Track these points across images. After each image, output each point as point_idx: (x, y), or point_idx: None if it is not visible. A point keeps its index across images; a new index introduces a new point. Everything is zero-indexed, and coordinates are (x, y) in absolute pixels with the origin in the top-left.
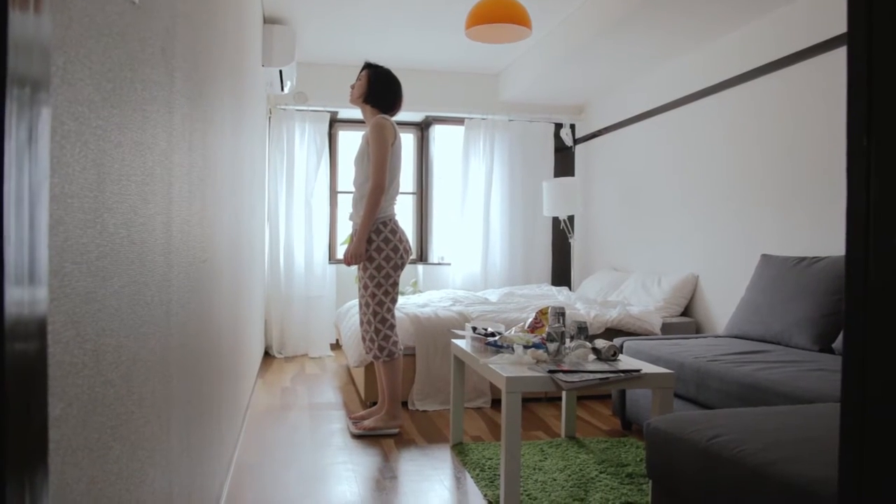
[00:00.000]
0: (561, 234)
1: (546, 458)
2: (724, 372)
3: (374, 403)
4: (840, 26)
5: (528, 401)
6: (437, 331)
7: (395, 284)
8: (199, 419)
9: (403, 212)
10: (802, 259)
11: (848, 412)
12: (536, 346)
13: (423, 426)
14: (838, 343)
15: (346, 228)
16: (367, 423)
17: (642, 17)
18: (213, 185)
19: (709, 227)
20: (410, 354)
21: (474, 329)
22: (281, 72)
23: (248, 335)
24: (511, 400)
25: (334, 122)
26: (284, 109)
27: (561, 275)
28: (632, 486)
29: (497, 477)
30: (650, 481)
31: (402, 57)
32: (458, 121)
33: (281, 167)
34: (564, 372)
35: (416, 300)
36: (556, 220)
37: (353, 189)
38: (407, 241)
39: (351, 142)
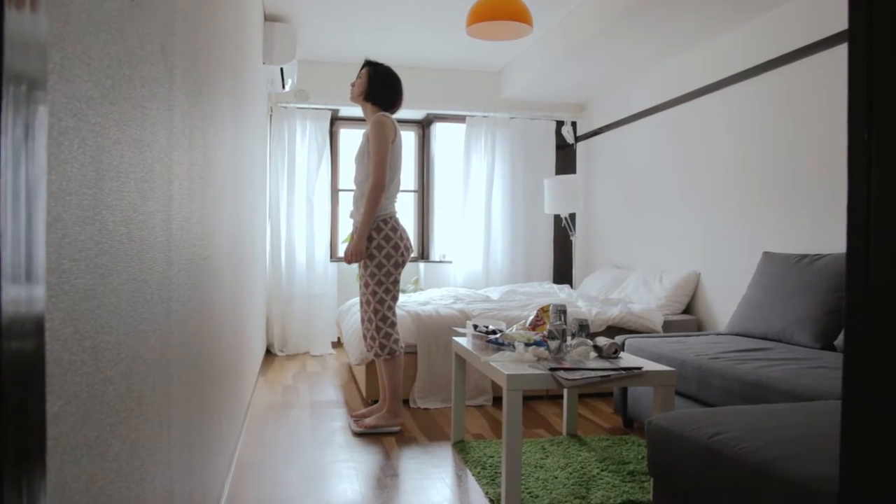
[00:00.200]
0: (562, 232)
1: (547, 456)
2: (725, 369)
3: (376, 401)
4: (841, 23)
5: (529, 399)
6: (439, 329)
7: (396, 282)
8: (199, 417)
9: (405, 209)
10: (804, 256)
11: (849, 409)
12: (538, 343)
13: (424, 424)
14: (840, 340)
15: (347, 226)
16: (368, 420)
17: (643, 15)
18: (214, 183)
19: (710, 225)
20: (412, 352)
21: (475, 327)
22: (282, 69)
23: (250, 333)
24: (512, 398)
25: (335, 120)
26: (285, 107)
27: (562, 272)
28: (633, 484)
29: (498, 475)
30: (651, 479)
31: (403, 54)
32: (460, 118)
33: (282, 165)
34: (566, 370)
35: (418, 298)
36: (557, 218)
37: (353, 187)
38: (408, 239)
39: (352, 140)
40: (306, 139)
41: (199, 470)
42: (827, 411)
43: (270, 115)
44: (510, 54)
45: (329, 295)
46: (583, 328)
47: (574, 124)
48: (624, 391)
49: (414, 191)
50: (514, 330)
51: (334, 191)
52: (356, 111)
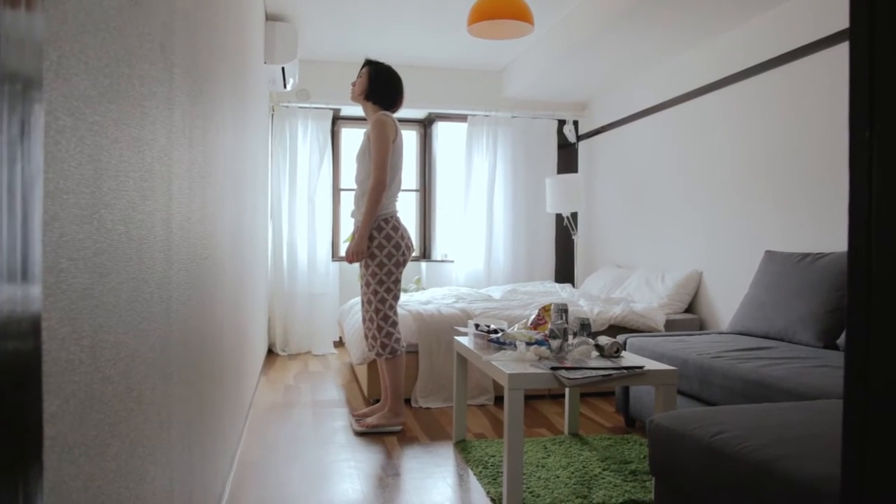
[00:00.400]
0: (564, 231)
1: (549, 456)
2: (727, 368)
3: (377, 401)
4: (842, 21)
5: (531, 398)
6: (440, 328)
7: (397, 281)
8: (200, 416)
9: (407, 209)
10: (806, 255)
11: (851, 409)
12: (539, 342)
13: (425, 423)
14: (842, 339)
15: (348, 226)
16: (369, 420)
17: (644, 14)
18: (214, 182)
19: (712, 224)
20: (413, 352)
21: (477, 326)
22: (283, 69)
23: (251, 333)
24: (513, 397)
25: (337, 120)
26: (287, 107)
27: (564, 272)
28: (635, 484)
29: (500, 474)
30: (653, 478)
31: (404, 54)
32: (461, 118)
33: (284, 164)
34: (567, 369)
35: (420, 297)
36: (559, 217)
37: (355, 186)
38: (409, 238)
39: (353, 139)
40: (308, 138)
41: (199, 469)
42: (829, 410)
43: (272, 115)
44: (512, 53)
45: (331, 294)
46: (584, 327)
47: (576, 123)
48: (626, 390)
49: (416, 190)
50: (515, 329)
51: (336, 190)
52: (358, 110)
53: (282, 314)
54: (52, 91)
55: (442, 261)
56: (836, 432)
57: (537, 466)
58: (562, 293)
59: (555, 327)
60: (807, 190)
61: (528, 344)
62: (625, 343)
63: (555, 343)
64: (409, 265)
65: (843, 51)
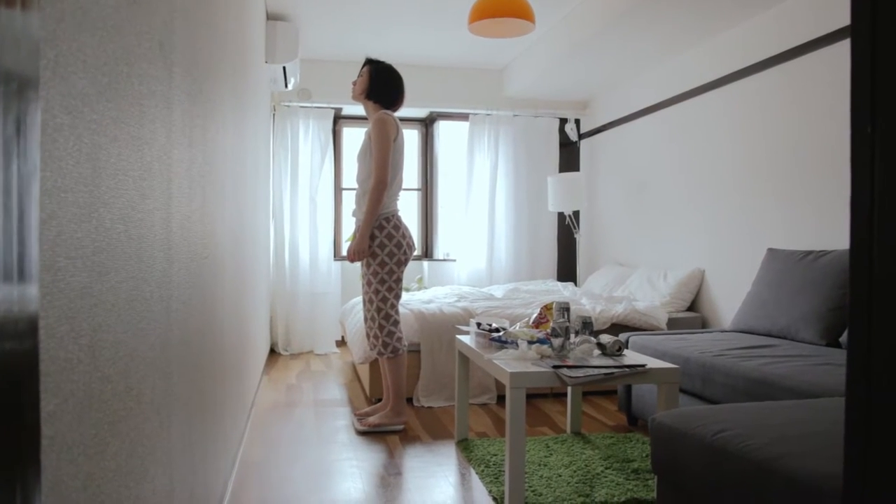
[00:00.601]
0: (566, 230)
1: (551, 454)
2: (730, 366)
3: (379, 400)
4: (843, 19)
5: (533, 397)
6: (442, 327)
7: (399, 280)
8: (201, 416)
9: (408, 208)
10: (809, 253)
11: (853, 406)
12: (541, 341)
13: (427, 422)
14: (845, 337)
15: (350, 225)
16: (371, 419)
17: (645, 12)
18: (215, 182)
19: (714, 222)
20: (415, 351)
21: (479, 325)
22: (284, 68)
23: (253, 332)
24: (515, 395)
25: (338, 119)
26: (288, 106)
27: (566, 270)
28: (637, 482)
29: (502, 473)
30: (655, 476)
31: (405, 52)
32: (463, 116)
33: (285, 164)
34: (569, 367)
35: (421, 296)
36: (561, 216)
37: (356, 185)
38: (410, 237)
39: (355, 138)
40: (309, 138)
41: (201, 468)
42: (832, 408)
43: (273, 114)
44: (513, 52)
45: (333, 294)
46: (586, 326)
47: (577, 122)
48: (628, 389)
49: (417, 189)
50: (517, 328)
51: (337, 189)
52: (359, 110)
53: (284, 313)
54: (49, 89)
55: (444, 260)
56: (839, 430)
57: (539, 465)
58: (564, 292)
59: (557, 326)
60: (809, 187)
61: (530, 342)
62: (627, 341)
63: (557, 341)
64: (411, 264)
65: (843, 48)
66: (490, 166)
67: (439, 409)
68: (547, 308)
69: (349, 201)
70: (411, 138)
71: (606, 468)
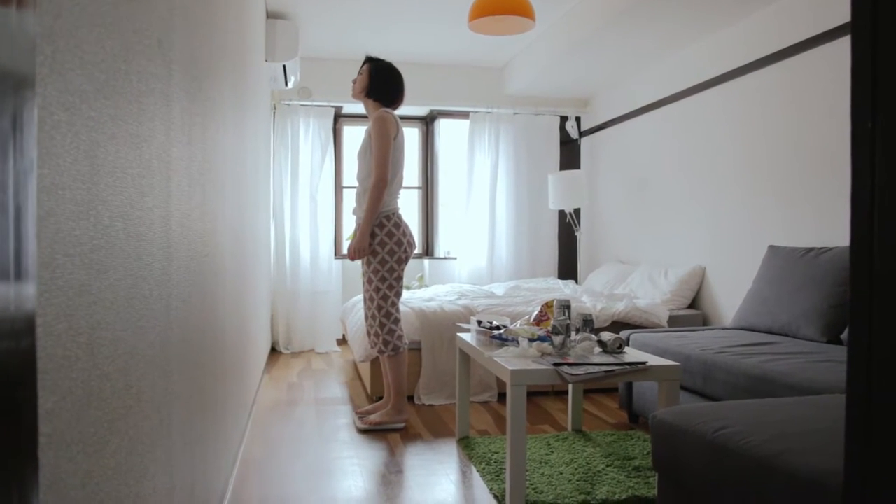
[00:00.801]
0: (567, 228)
1: (552, 452)
2: (730, 364)
3: (380, 398)
4: (843, 16)
5: (534, 394)
6: (443, 325)
7: (399, 278)
8: (202, 414)
9: (409, 206)
10: (810, 250)
11: (853, 403)
12: (541, 339)
13: (428, 420)
14: (846, 334)
15: (351, 223)
16: (373, 417)
17: (645, 9)
18: (215, 180)
19: (715, 219)
20: (416, 349)
21: (479, 323)
22: (284, 67)
23: (254, 330)
24: (516, 393)
25: (339, 117)
26: (288, 104)
27: (567, 268)
28: (639, 480)
29: (503, 471)
30: (656, 474)
31: (406, 51)
32: (463, 114)
33: (286, 162)
34: (570, 365)
35: (422, 294)
36: (562, 214)
37: (357, 184)
38: (410, 235)
39: (355, 137)
40: (310, 136)
41: (201, 467)
42: (833, 405)
43: (273, 113)
44: (513, 50)
45: (333, 292)
46: (587, 323)
47: (578, 119)
48: (629, 386)
49: (418, 187)
50: (518, 325)
51: (338, 188)
52: (359, 108)
53: (285, 312)
54: (46, 86)
55: (444, 258)
56: (840, 427)
57: (540, 463)
58: (565, 290)
59: (557, 323)
60: (810, 184)
61: (531, 340)
62: (628, 339)
63: (557, 339)
64: (412, 262)
65: (844, 45)
66: (490, 164)
67: (440, 407)
68: (548, 306)
69: (350, 200)
70: (412, 136)
71: (607, 466)
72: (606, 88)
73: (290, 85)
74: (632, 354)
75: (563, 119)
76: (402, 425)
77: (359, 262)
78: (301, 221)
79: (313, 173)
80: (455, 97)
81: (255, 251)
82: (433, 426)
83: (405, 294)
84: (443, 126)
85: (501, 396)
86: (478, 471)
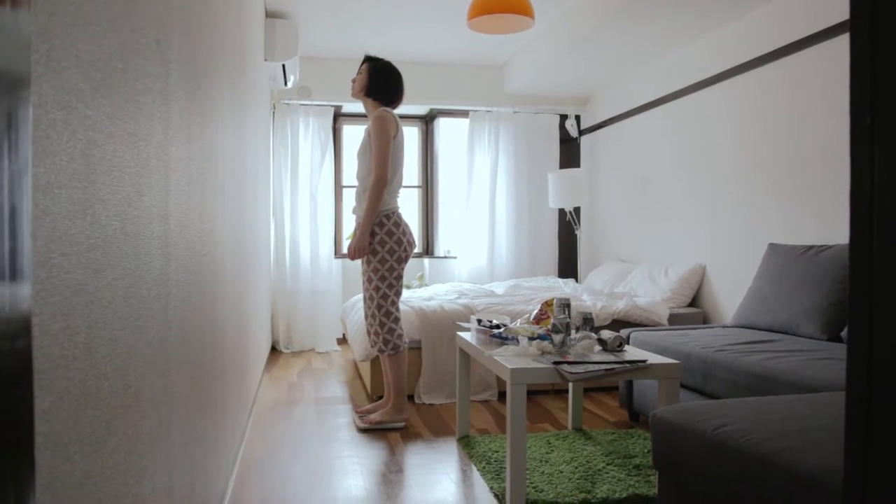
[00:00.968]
0: (567, 226)
1: (553, 451)
2: (731, 362)
3: (381, 397)
4: (843, 13)
5: (534, 393)
6: (443, 324)
7: (399, 278)
8: (201, 414)
9: (409, 205)
10: (810, 247)
11: (853, 401)
12: (541, 337)
13: (429, 419)
14: (847, 332)
15: (351, 222)
16: (373, 416)
17: (644, 7)
18: (214, 179)
19: (715, 217)
20: (416, 348)
21: (479, 321)
22: (284, 66)
23: (254, 330)
24: (516, 391)
25: (338, 117)
26: (288, 104)
27: (567, 267)
28: (639, 478)
29: (503, 470)
30: (657, 472)
31: (405, 50)
32: (463, 113)
33: (285, 162)
34: (570, 363)
35: (422, 293)
36: (562, 212)
37: (356, 183)
38: (410, 234)
39: (355, 136)
40: (309, 136)
41: (201, 466)
42: (833, 403)
43: (273, 112)
44: (512, 48)
45: (333, 291)
46: (587, 321)
47: (577, 118)
48: (629, 385)
49: (418, 186)
50: (518, 324)
51: (338, 187)
52: (359, 107)
53: (285, 311)
54: (41, 84)
55: (444, 257)
56: (840, 425)
57: (541, 461)
58: (565, 288)
59: (557, 322)
60: (809, 182)
61: (531, 339)
62: (628, 337)
63: (557, 338)
64: (412, 261)
65: (843, 42)
66: (490, 163)
67: (440, 406)
68: (548, 304)
69: (349, 199)
70: (411, 135)
71: (608, 464)
72: (606, 87)
73: (290, 84)
74: (632, 353)
75: (563, 117)
76: (402, 424)
77: (359, 262)
78: (301, 221)
79: (313, 172)
80: (455, 96)
81: (254, 250)
82: (433, 425)
83: (405, 293)
84: (442, 125)
85: (501, 395)
86: (478, 470)
